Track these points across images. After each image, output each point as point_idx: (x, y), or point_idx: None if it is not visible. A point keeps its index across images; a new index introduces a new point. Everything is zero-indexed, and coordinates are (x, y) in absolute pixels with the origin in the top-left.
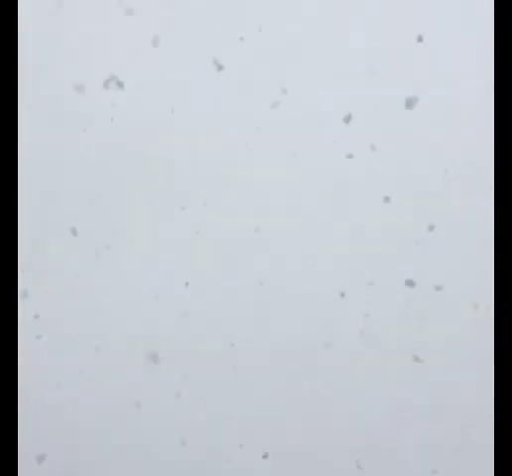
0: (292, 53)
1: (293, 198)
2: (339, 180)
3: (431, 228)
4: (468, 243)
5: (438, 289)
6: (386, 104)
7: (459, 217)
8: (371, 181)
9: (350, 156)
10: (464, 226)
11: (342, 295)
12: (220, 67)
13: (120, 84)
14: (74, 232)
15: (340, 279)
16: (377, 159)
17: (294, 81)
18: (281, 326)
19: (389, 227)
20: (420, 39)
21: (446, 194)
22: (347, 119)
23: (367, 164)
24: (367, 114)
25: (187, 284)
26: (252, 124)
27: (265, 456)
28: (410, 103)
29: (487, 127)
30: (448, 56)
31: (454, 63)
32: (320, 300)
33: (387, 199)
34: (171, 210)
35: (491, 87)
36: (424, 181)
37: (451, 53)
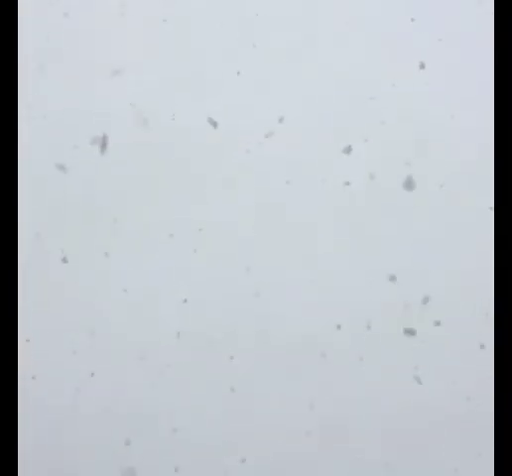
0: (290, 81)
1: (289, 229)
2: (338, 210)
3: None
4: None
5: (437, 324)
6: (388, 133)
7: (460, 233)
8: (370, 211)
9: (348, 183)
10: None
11: (339, 327)
12: (215, 125)
13: (105, 143)
14: (65, 260)
15: (337, 313)
16: (375, 187)
17: (292, 111)
18: (279, 344)
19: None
20: (422, 66)
21: (444, 225)
22: (348, 150)
23: (365, 191)
24: (368, 144)
25: (185, 300)
26: (247, 156)
27: None
28: (413, 134)
29: (488, 153)
30: (449, 82)
31: (456, 91)
32: (317, 330)
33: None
34: (164, 234)
35: (491, 117)
36: (424, 217)
37: (453, 79)
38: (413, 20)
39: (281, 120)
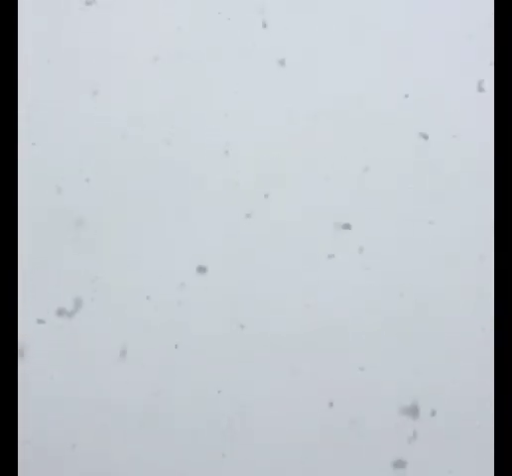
0: (281, 157)
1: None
2: (323, 281)
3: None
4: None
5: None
6: (384, 208)
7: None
8: (359, 282)
9: (332, 256)
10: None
11: (331, 404)
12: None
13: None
14: (60, 313)
15: (329, 388)
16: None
17: (278, 187)
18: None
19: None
20: (425, 136)
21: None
22: (347, 226)
23: (355, 265)
24: (363, 221)
25: (176, 346)
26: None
27: None
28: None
29: (488, 218)
30: (450, 152)
31: (458, 160)
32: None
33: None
34: (149, 290)
35: (492, 193)
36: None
37: (455, 150)
38: (406, 96)
39: (266, 196)
